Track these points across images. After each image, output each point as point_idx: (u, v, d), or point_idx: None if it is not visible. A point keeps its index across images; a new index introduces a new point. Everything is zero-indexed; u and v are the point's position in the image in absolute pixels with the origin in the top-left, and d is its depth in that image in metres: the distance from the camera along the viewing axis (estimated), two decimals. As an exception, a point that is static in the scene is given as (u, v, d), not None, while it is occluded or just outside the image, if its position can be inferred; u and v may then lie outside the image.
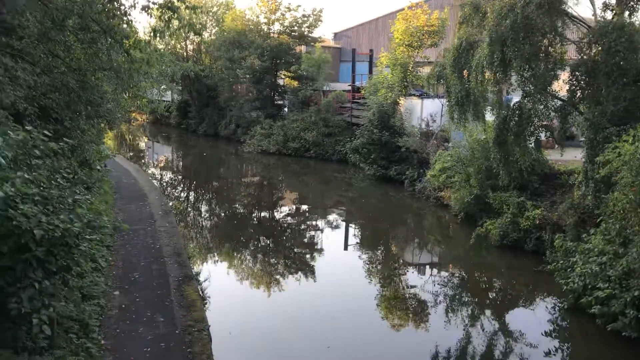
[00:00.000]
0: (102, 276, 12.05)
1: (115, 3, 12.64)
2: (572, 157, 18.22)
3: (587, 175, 14.34)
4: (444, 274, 17.63)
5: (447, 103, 18.52)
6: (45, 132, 8.98)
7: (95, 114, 14.97)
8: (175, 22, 13.69)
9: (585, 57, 15.31)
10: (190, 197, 28.50)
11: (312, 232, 21.95)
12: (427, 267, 18.63)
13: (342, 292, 15.20)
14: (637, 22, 15.31)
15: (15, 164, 7.92)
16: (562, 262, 13.60)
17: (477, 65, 15.50)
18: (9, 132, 8.03)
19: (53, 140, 8.94)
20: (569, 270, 13.15)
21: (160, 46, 35.41)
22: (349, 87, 40.35)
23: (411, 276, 17.21)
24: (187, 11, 14.16)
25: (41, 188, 7.94)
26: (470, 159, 20.25)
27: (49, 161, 9.22)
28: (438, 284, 16.22)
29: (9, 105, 10.56)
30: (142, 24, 32.88)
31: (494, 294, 15.82)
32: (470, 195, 19.78)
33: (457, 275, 17.48)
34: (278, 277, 16.62)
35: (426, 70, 27.13)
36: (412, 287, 15.90)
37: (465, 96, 16.79)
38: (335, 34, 53.97)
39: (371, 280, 16.88)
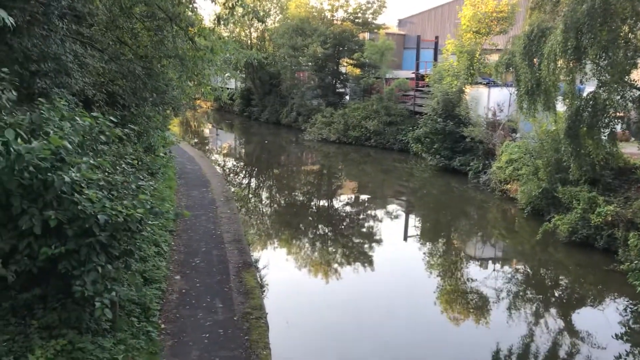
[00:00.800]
0: (164, 260, 12.27)
1: (181, -11, 12.77)
2: (651, 150, 17.19)
3: (667, 171, 13.45)
4: (507, 269, 17.03)
5: (516, 92, 17.78)
6: (112, 118, 9.17)
7: (160, 100, 15.25)
8: (240, 10, 13.70)
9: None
10: (251, 184, 28.80)
11: (371, 222, 21.73)
12: (490, 261, 18.04)
13: (401, 283, 14.95)
14: None
15: (82, 149, 8.10)
16: (636, 262, 12.84)
17: (550, 53, 14.76)
18: (76, 117, 8.21)
19: (119, 126, 9.12)
20: (643, 270, 12.41)
21: (225, 34, 35.85)
22: (413, 75, 39.64)
23: (473, 270, 16.71)
24: (251, -2, 14.18)
25: (106, 173, 8.10)
26: (539, 151, 19.43)
27: (114, 147, 9.44)
28: (501, 279, 15.67)
29: (79, 91, 10.85)
30: (207, 11, 33.29)
31: (561, 292, 15.15)
32: (538, 189, 19.01)
33: (522, 271, 16.85)
34: (336, 266, 16.50)
35: (494, 57, 26.23)
36: (473, 281, 15.44)
37: (535, 85, 16.06)
38: (400, 21, 53.15)
39: (431, 273, 16.52)
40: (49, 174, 7.00)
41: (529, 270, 16.83)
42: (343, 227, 21.12)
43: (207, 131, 49.74)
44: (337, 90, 43.95)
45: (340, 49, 42.04)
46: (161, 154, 16.10)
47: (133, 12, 12.67)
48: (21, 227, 6.94)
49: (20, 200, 6.99)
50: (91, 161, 7.73)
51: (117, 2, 12.30)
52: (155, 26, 13.11)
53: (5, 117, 7.10)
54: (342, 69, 44.36)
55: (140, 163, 11.34)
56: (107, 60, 11.99)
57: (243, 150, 40.62)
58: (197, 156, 28.02)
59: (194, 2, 13.64)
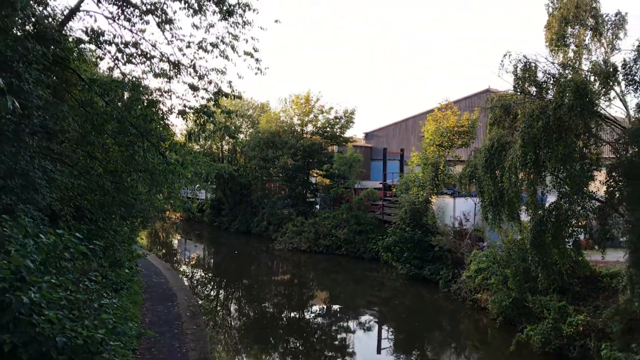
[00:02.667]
0: (126, 383, 11.61)
1: (153, 108, 13.15)
2: (614, 258, 17.48)
3: (632, 280, 13.64)
4: (483, 383, 16.59)
5: (481, 203, 18.23)
6: (77, 234, 9.03)
7: (129, 214, 15.16)
8: (211, 126, 14.10)
9: (621, 157, 15.05)
10: (219, 296, 28.11)
11: (344, 334, 21.20)
12: (465, 375, 17.59)
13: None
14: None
15: (45, 267, 7.89)
16: (612, 374, 12.67)
17: (510, 166, 15.35)
18: (40, 234, 8.07)
19: (85, 241, 8.97)
20: (620, 383, 12.21)
21: (196, 147, 36.53)
22: (381, 185, 40.54)
23: (448, 385, 16.23)
24: (222, 115, 14.65)
25: (68, 292, 7.85)
26: (507, 260, 19.63)
27: (79, 263, 9.21)
28: (477, 394, 15.22)
29: (45, 207, 10.75)
30: (179, 127, 34.18)
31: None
32: (508, 299, 18.99)
33: (498, 385, 16.42)
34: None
35: (458, 169, 27.15)
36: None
37: (498, 196, 16.52)
38: (367, 134, 55.11)
39: (406, 389, 15.97)
40: (7, 295, 6.74)
41: (505, 383, 16.41)
42: (315, 340, 20.51)
43: (175, 242, 49.11)
44: (308, 199, 44.50)
45: (310, 160, 43.11)
46: (126, 270, 15.74)
47: (105, 129, 12.92)
48: (-27, 351, 6.57)
49: (-26, 323, 6.67)
50: (53, 280, 7.50)
51: (89, 119, 12.57)
52: (127, 142, 13.34)
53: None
54: (312, 179, 45.22)
55: (104, 279, 11.05)
56: (77, 176, 12.03)
57: (212, 261, 40.00)
58: (164, 268, 27.42)
59: (167, 118, 14.05)
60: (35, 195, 10.16)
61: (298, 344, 19.71)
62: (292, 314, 24.35)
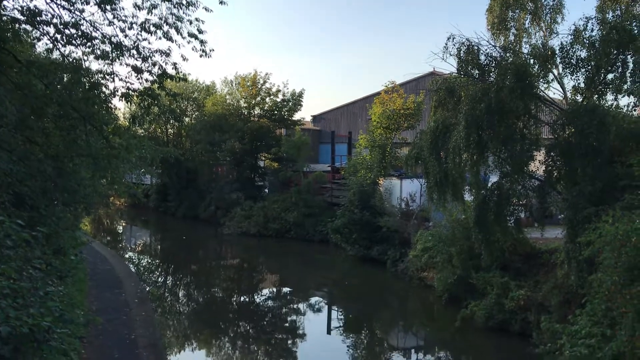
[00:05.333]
0: (73, 371, 11.39)
1: (96, 91, 12.75)
2: (552, 235, 18.29)
3: (569, 255, 14.32)
4: (430, 358, 17.17)
5: (426, 184, 18.66)
6: (19, 220, 8.73)
7: (71, 200, 14.74)
8: (155, 109, 13.81)
9: (559, 138, 15.69)
10: (168, 282, 27.78)
11: (294, 316, 21.40)
12: (413, 351, 18.13)
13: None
14: (606, 105, 15.87)
15: (-16, 256, 7.61)
16: (549, 345, 13.29)
17: (454, 147, 15.73)
18: (-21, 222, 7.77)
19: (27, 228, 8.68)
20: (557, 353, 12.83)
21: (141, 131, 35.67)
22: (329, 168, 40.81)
23: (397, 361, 16.68)
24: (168, 98, 14.37)
25: (11, 280, 7.61)
26: (452, 239, 20.21)
27: (21, 251, 8.91)
28: (425, 369, 15.72)
29: (-18, 194, 10.33)
30: (122, 110, 33.21)
31: (483, 379, 15.33)
32: (454, 276, 19.59)
33: (444, 358, 16.99)
34: (259, 365, 15.97)
35: (404, 151, 27.60)
36: (398, 373, 15.38)
37: (443, 177, 16.92)
38: (314, 117, 55.17)
39: (356, 366, 16.31)
40: (-54, 284, 6.50)
41: (450, 358, 17.01)
42: (265, 323, 20.62)
43: (120, 229, 48.06)
44: (256, 183, 44.29)
45: (258, 144, 42.83)
46: (72, 257, 15.34)
47: (45, 113, 12.46)
48: None
49: None
50: (-6, 268, 7.25)
51: (28, 103, 12.08)
52: (68, 125, 12.89)
53: None
54: (261, 163, 44.98)
55: (49, 267, 10.74)
56: (15, 161, 11.56)
57: (159, 247, 39.39)
58: (109, 255, 26.86)
59: (110, 102, 13.66)
60: (-28, 182, 9.74)
61: (248, 328, 19.77)
62: (242, 298, 24.37)
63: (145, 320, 16.12)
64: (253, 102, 43.64)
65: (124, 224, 50.09)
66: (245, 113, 44.09)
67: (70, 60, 12.91)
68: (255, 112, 44.13)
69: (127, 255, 32.72)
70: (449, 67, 33.99)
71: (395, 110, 30.80)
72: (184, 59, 13.55)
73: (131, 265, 28.06)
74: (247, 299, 24.20)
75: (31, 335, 6.87)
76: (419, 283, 23.25)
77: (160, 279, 28.34)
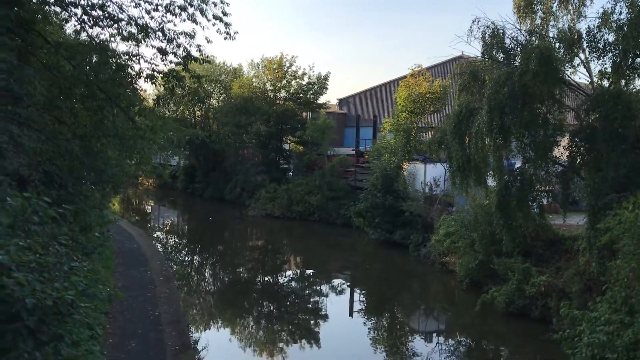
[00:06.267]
0: (98, 344, 11.79)
1: (122, 72, 13.01)
2: (576, 222, 18.09)
3: (590, 242, 14.19)
4: (450, 342, 17.20)
5: (449, 168, 18.59)
6: (46, 198, 9.02)
7: (99, 179, 15.11)
8: (180, 90, 14.02)
9: (584, 123, 15.46)
10: (193, 262, 28.30)
11: (317, 298, 21.64)
12: (434, 334, 18.21)
13: (346, 360, 14.83)
14: (633, 90, 15.55)
15: (13, 231, 7.91)
16: (568, 331, 13.23)
17: (477, 131, 15.64)
18: (7, 198, 8.07)
19: (55, 205, 8.97)
20: (576, 339, 12.77)
21: (168, 113, 36.15)
22: (353, 152, 40.81)
23: (417, 344, 16.78)
24: (192, 80, 14.57)
25: (37, 255, 7.91)
26: (474, 224, 20.14)
27: (48, 227, 9.23)
28: (445, 352, 15.83)
29: (13, 172, 10.67)
30: (149, 91, 33.65)
31: (501, 364, 15.37)
32: (475, 261, 19.56)
33: (464, 343, 17.06)
34: (281, 345, 16.24)
35: (429, 135, 27.45)
36: (418, 355, 15.52)
37: (466, 162, 16.84)
38: (340, 100, 55.05)
39: (377, 348, 16.46)
40: (-24, 258, 6.80)
41: (470, 342, 17.05)
42: (288, 303, 20.91)
43: (148, 208, 48.94)
44: (281, 166, 44.58)
45: (283, 127, 43.05)
46: (97, 234, 15.77)
47: (73, 93, 12.76)
48: (-57, 313, 6.64)
49: (-57, 285, 6.72)
50: (21, 243, 7.54)
51: (57, 83, 12.39)
52: (95, 106, 13.20)
53: None
54: (286, 146, 45.23)
55: (74, 243, 11.09)
56: (45, 140, 11.90)
57: (186, 227, 40.06)
58: (137, 234, 27.47)
59: (136, 83, 13.93)
60: (2, 161, 10.07)
61: (271, 308, 20.07)
62: (266, 279, 24.70)
63: (169, 298, 16.52)
64: (279, 85, 43.79)
65: (152, 204, 50.98)
66: (271, 96, 44.29)
67: (98, 41, 13.17)
68: (281, 95, 44.32)
69: (154, 235, 33.38)
70: (474, 51, 33.61)
71: (421, 93, 30.57)
72: (208, 41, 13.74)
73: (158, 245, 28.65)
74: (271, 280, 24.52)
75: (55, 307, 7.16)
76: (441, 268, 23.27)
77: (186, 258, 28.88)
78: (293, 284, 23.95)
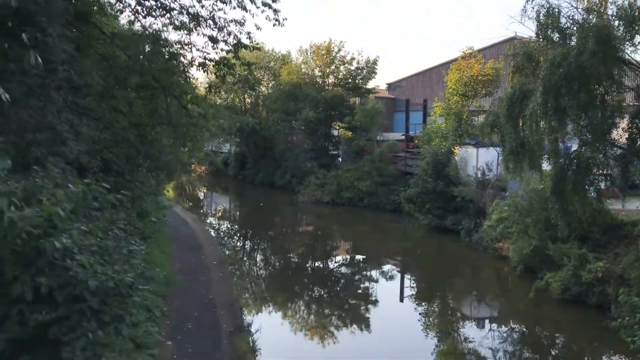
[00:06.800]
0: (156, 326, 12.20)
1: (174, 61, 13.30)
2: (636, 206, 17.44)
3: (652, 227, 13.67)
4: (503, 328, 16.96)
5: (502, 152, 18.20)
6: (105, 184, 9.37)
7: (154, 166, 15.54)
8: (230, 78, 14.22)
9: (645, 104, 14.85)
10: (245, 247, 28.81)
11: (367, 283, 21.70)
12: (486, 321, 18.00)
13: (398, 345, 14.84)
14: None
15: (75, 216, 8.26)
16: (628, 318, 12.85)
17: (532, 114, 15.22)
18: (69, 185, 8.42)
19: (113, 192, 9.30)
20: (635, 327, 12.40)
21: (219, 100, 36.69)
22: (403, 137, 40.45)
23: (469, 330, 16.63)
24: (243, 67, 14.75)
25: (98, 239, 8.24)
26: (528, 209, 19.69)
27: (107, 213, 9.59)
28: (497, 339, 15.62)
29: (73, 159, 11.11)
30: (200, 80, 34.24)
31: (557, 351, 15.06)
32: (529, 247, 19.14)
33: (518, 330, 16.80)
34: (332, 329, 16.37)
35: (481, 118, 26.93)
36: (470, 341, 15.37)
37: (520, 145, 16.43)
38: (389, 85, 54.56)
39: (428, 333, 16.39)
40: (41, 241, 7.13)
41: (524, 329, 16.77)
42: (338, 288, 21.05)
43: (201, 195, 50.01)
44: (330, 152, 44.66)
45: (332, 113, 43.05)
46: (153, 219, 16.25)
47: (128, 83, 13.14)
48: (13, 294, 7.01)
49: (13, 267, 7.09)
50: (83, 227, 7.87)
51: (113, 73, 12.78)
52: (149, 95, 13.56)
53: (-1, 186, 7.29)
54: (334, 132, 45.24)
55: (132, 228, 11.49)
56: (102, 129, 12.34)
57: (237, 213, 40.76)
58: (190, 220, 28.14)
59: (188, 71, 14.22)
60: (63, 148, 10.48)
61: (322, 293, 20.25)
62: (316, 264, 24.90)
63: (223, 282, 16.91)
64: (327, 71, 43.76)
65: (204, 191, 52.04)
66: (320, 82, 44.31)
67: (151, 31, 13.50)
68: (330, 81, 44.29)
69: (207, 220, 34.11)
70: (528, 31, 32.56)
71: (472, 76, 29.97)
72: (258, 28, 13.90)
73: (210, 230, 29.27)
74: (321, 265, 24.71)
75: (116, 289, 7.47)
76: (493, 253, 22.90)
77: (238, 243, 29.43)
78: (343, 269, 24.07)
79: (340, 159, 43.93)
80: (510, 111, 16.53)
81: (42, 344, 7.52)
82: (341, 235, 32.12)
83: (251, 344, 12.85)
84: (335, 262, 25.34)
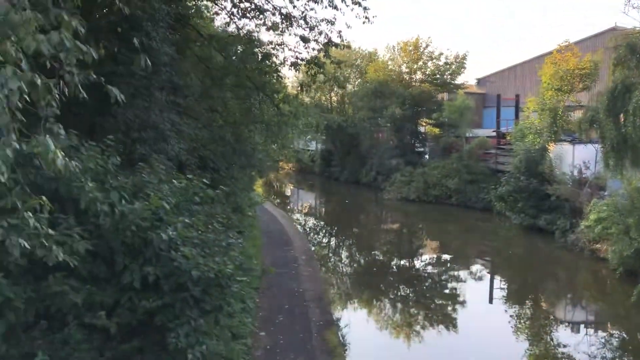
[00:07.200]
0: (250, 317, 12.65)
1: (267, 61, 13.70)
2: None
3: None
4: (601, 334, 16.16)
5: (601, 149, 17.34)
6: (204, 180, 9.85)
7: (247, 163, 16.08)
8: (321, 77, 14.46)
9: None
10: (331, 243, 29.13)
11: (454, 283, 21.34)
12: (582, 325, 17.22)
13: (486, 347, 14.51)
14: None
15: (178, 210, 8.75)
16: None
17: (635, 109, 14.42)
18: (173, 180, 8.93)
19: (210, 187, 9.76)
20: None
21: (307, 99, 37.33)
22: (494, 133, 39.30)
23: (563, 335, 15.97)
24: (332, 66, 14.94)
25: (199, 232, 8.67)
26: (630, 209, 18.62)
27: (206, 207, 10.07)
28: (595, 344, 14.90)
29: (174, 156, 11.73)
30: (290, 79, 34.98)
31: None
32: (630, 249, 18.11)
33: (617, 336, 15.95)
34: (418, 328, 16.27)
35: (578, 114, 25.74)
36: (564, 346, 14.76)
37: (622, 142, 15.62)
38: (479, 80, 53.20)
39: (519, 336, 15.92)
40: (149, 233, 7.63)
41: (624, 335, 15.91)
42: (425, 287, 20.85)
43: (289, 191, 51.00)
44: (416, 149, 44.20)
45: (419, 109, 42.57)
46: (249, 214, 16.82)
47: (224, 83, 13.68)
48: (123, 282, 7.54)
49: (123, 257, 7.64)
50: (186, 220, 8.32)
51: (209, 74, 13.35)
52: (244, 94, 14.05)
53: (110, 181, 7.86)
54: (421, 129, 44.73)
55: (229, 222, 11.98)
56: (200, 128, 12.93)
57: (323, 210, 41.24)
58: (279, 215, 28.81)
59: (279, 71, 14.60)
60: (165, 146, 11.10)
61: (408, 291, 20.13)
62: (402, 262, 24.78)
63: (311, 276, 17.23)
64: (414, 67, 43.35)
65: (291, 187, 53.03)
66: (407, 78, 43.97)
67: (244, 32, 13.97)
68: (417, 77, 43.85)
69: (294, 217, 34.77)
70: (631, 21, 30.74)
71: (568, 70, 28.67)
72: (348, 26, 13.99)
73: (298, 226, 29.82)
74: (407, 264, 24.56)
75: (216, 280, 7.85)
76: (591, 255, 21.84)
77: (324, 239, 29.80)
78: (429, 268, 23.79)
79: (427, 156, 43.38)
80: (611, 106, 15.77)
81: (150, 330, 8.03)
82: (427, 234, 31.74)
83: (340, 339, 13.02)
84: (422, 261, 25.09)
